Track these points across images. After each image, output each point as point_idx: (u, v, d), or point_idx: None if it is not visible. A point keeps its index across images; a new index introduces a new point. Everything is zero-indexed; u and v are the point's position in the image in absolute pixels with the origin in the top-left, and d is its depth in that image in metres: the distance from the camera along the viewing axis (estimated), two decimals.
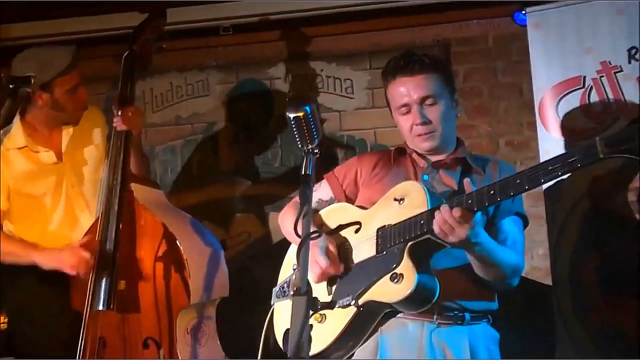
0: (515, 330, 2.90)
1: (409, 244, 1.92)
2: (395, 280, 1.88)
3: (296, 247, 2.08)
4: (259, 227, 3.53)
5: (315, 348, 1.97)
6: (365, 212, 2.12)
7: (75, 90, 2.73)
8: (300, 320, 1.36)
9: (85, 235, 2.71)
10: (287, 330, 1.51)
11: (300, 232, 1.56)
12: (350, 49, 3.53)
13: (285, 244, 2.33)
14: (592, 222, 2.79)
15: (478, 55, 3.47)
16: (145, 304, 2.63)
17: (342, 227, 2.13)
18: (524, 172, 1.81)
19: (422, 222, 1.91)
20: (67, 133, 2.82)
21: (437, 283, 1.91)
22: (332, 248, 2.04)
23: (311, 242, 1.99)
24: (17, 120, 2.78)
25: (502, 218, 2.11)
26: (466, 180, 1.92)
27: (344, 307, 1.96)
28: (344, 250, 2.07)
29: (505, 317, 2.86)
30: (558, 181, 2.84)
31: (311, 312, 1.44)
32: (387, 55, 2.59)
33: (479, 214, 1.87)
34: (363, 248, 2.04)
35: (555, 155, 1.77)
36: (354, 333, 1.98)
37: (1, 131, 2.76)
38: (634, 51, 2.77)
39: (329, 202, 2.26)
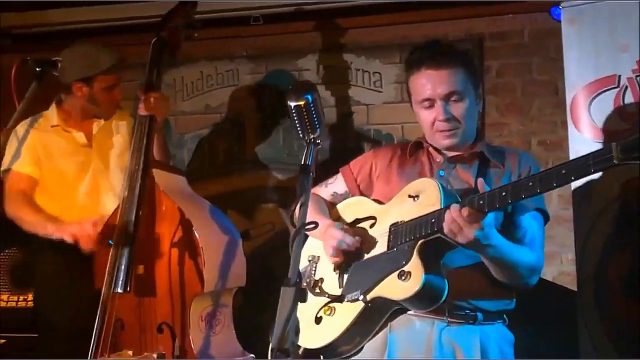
0: (536, 335, 2.83)
1: (420, 242, 1.89)
2: (403, 278, 1.86)
3: (313, 239, 2.09)
4: (283, 218, 3.53)
5: (323, 340, 1.97)
6: (380, 207, 2.10)
7: (112, 89, 2.89)
8: (287, 311, 1.35)
9: (112, 216, 2.76)
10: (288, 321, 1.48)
11: (295, 222, 1.54)
12: (380, 41, 3.50)
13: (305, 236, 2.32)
14: (620, 227, 2.68)
15: (512, 50, 3.38)
16: (161, 289, 2.67)
17: (358, 221, 2.11)
18: (536, 174, 1.77)
19: (433, 220, 1.88)
20: (97, 124, 2.96)
21: (446, 283, 1.87)
22: (347, 229, 2.05)
23: (321, 229, 2.02)
24: (53, 105, 2.94)
25: (521, 214, 2.04)
26: (480, 180, 1.87)
27: (352, 301, 1.95)
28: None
29: (526, 321, 2.80)
30: (587, 184, 2.77)
31: (299, 304, 1.41)
32: None
33: (490, 216, 1.82)
34: (376, 243, 2.02)
35: None
36: (361, 328, 1.96)
37: (37, 115, 2.90)
38: None
39: (344, 196, 2.24)
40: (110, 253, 2.63)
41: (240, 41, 3.64)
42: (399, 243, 1.94)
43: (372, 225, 2.07)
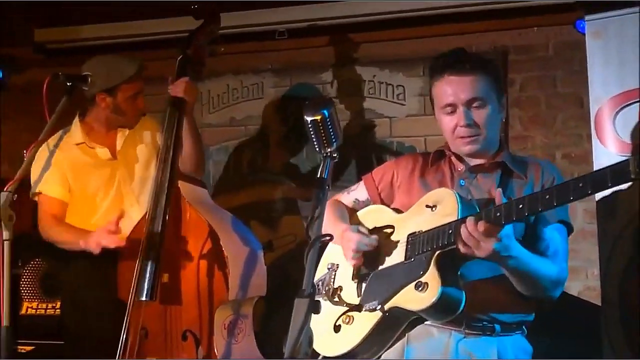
0: (561, 349, 2.80)
1: (437, 252, 1.90)
2: (420, 289, 1.86)
3: (334, 246, 2.11)
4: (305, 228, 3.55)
5: (341, 349, 1.99)
6: (399, 216, 2.11)
7: (136, 97, 2.90)
8: (300, 322, 1.37)
9: (136, 226, 2.81)
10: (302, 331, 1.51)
11: (311, 235, 1.56)
12: (404, 54, 3.52)
13: (325, 246, 2.34)
14: None
15: (537, 63, 3.38)
16: (187, 297, 2.71)
17: (377, 229, 2.12)
18: (554, 187, 1.77)
19: (450, 231, 1.88)
20: (122, 134, 2.97)
21: (463, 294, 1.87)
22: (362, 229, 2.07)
23: (343, 228, 2.05)
24: (76, 119, 2.96)
25: (544, 225, 2.03)
26: (498, 191, 1.86)
27: (370, 310, 1.96)
28: (374, 252, 2.06)
29: (551, 335, 2.77)
30: (612, 198, 2.73)
31: (312, 315, 1.43)
32: None
33: (508, 227, 1.82)
34: (394, 253, 2.03)
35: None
36: (379, 337, 1.98)
37: (61, 131, 2.93)
38: None
39: (365, 203, 2.25)
40: (137, 262, 2.68)
41: (265, 55, 3.70)
42: (416, 253, 1.95)
43: (390, 234, 2.08)
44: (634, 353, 2.62)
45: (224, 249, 2.67)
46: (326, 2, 3.43)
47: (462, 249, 1.82)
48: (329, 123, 1.66)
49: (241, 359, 2.71)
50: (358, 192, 2.28)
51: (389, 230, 2.09)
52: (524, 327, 2.08)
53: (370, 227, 2.14)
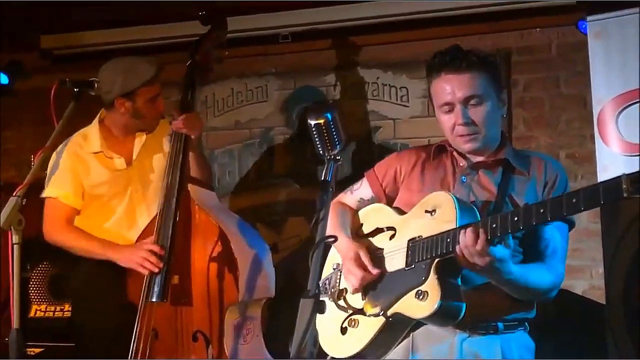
0: (567, 347, 2.82)
1: (436, 260, 1.91)
2: (421, 297, 1.88)
3: (338, 246, 2.12)
4: (310, 231, 3.58)
5: (349, 351, 2.01)
6: (400, 218, 2.10)
7: (154, 100, 2.87)
8: (305, 323, 1.39)
9: (143, 232, 2.84)
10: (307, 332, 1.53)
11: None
12: (407, 57, 3.53)
13: (330, 246, 2.35)
14: None
15: (540, 64, 3.39)
16: (198, 298, 2.73)
17: (379, 230, 2.13)
18: (547, 201, 1.79)
19: (448, 240, 1.89)
20: (139, 140, 2.95)
21: (463, 302, 1.89)
22: (363, 255, 2.05)
23: (344, 255, 2.06)
24: (95, 123, 2.95)
25: (544, 223, 2.00)
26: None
27: (374, 315, 1.98)
28: (377, 257, 2.08)
29: (556, 333, 2.78)
30: None
31: (317, 315, 1.45)
32: None
33: (507, 252, 1.84)
34: (395, 258, 2.04)
35: (611, 173, 1.76)
36: (384, 340, 1.99)
37: (80, 136, 2.93)
38: None
39: (371, 202, 2.23)
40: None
41: (269, 58, 3.73)
42: (416, 260, 1.96)
43: (392, 237, 2.08)
44: (638, 351, 2.63)
45: (234, 251, 2.70)
46: (329, 6, 3.45)
47: (458, 258, 1.83)
48: (332, 126, 1.68)
49: None
50: (362, 190, 2.26)
51: (390, 233, 2.09)
52: (526, 323, 2.08)
53: (372, 228, 2.14)
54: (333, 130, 1.69)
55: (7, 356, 2.20)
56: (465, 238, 1.81)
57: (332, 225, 2.13)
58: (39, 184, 2.84)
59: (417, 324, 1.98)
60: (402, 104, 3.53)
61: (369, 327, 1.99)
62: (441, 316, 1.87)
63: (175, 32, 3.55)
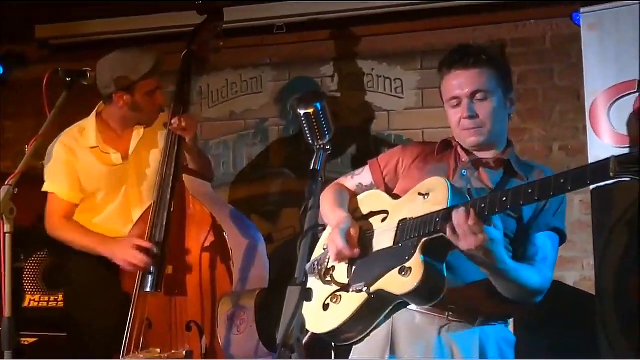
0: (558, 338, 2.83)
1: (423, 239, 1.93)
2: (404, 274, 1.90)
3: (330, 229, 2.15)
4: (299, 219, 3.58)
5: (328, 326, 2.04)
6: (394, 202, 2.14)
7: (153, 93, 2.86)
8: (292, 310, 1.40)
9: (136, 223, 2.85)
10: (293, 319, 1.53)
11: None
12: (401, 48, 3.54)
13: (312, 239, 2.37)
14: (638, 233, 2.66)
15: (534, 56, 3.39)
16: (191, 288, 2.75)
17: (372, 214, 2.16)
18: (536, 182, 1.80)
19: (437, 219, 1.91)
20: (137, 134, 2.94)
21: (445, 281, 1.91)
22: (352, 232, 2.08)
23: (334, 223, 2.08)
24: (93, 116, 2.94)
25: (536, 231, 2.06)
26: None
27: (357, 291, 2.01)
28: (365, 237, 2.11)
29: (547, 325, 2.80)
30: (606, 189, 2.75)
31: (304, 303, 1.47)
32: (439, 56, 2.49)
33: (499, 234, 1.85)
34: (384, 237, 2.07)
35: None
36: (364, 317, 2.02)
37: (76, 130, 2.93)
38: None
39: (369, 188, 2.28)
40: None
41: (264, 49, 3.72)
42: (404, 239, 1.99)
43: (383, 219, 2.11)
44: (629, 342, 2.65)
45: (228, 241, 2.71)
46: None
47: (450, 236, 1.85)
48: (321, 116, 1.69)
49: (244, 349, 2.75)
50: (362, 176, 2.30)
51: (383, 215, 2.13)
52: (507, 319, 2.12)
53: (367, 212, 2.18)
54: (322, 119, 1.70)
55: (0, 345, 2.22)
56: (457, 216, 1.83)
57: (330, 204, 2.19)
58: (33, 174, 2.85)
59: (397, 307, 2.00)
60: (397, 95, 3.53)
61: (351, 302, 2.02)
62: (422, 293, 1.89)
63: (172, 22, 3.54)
